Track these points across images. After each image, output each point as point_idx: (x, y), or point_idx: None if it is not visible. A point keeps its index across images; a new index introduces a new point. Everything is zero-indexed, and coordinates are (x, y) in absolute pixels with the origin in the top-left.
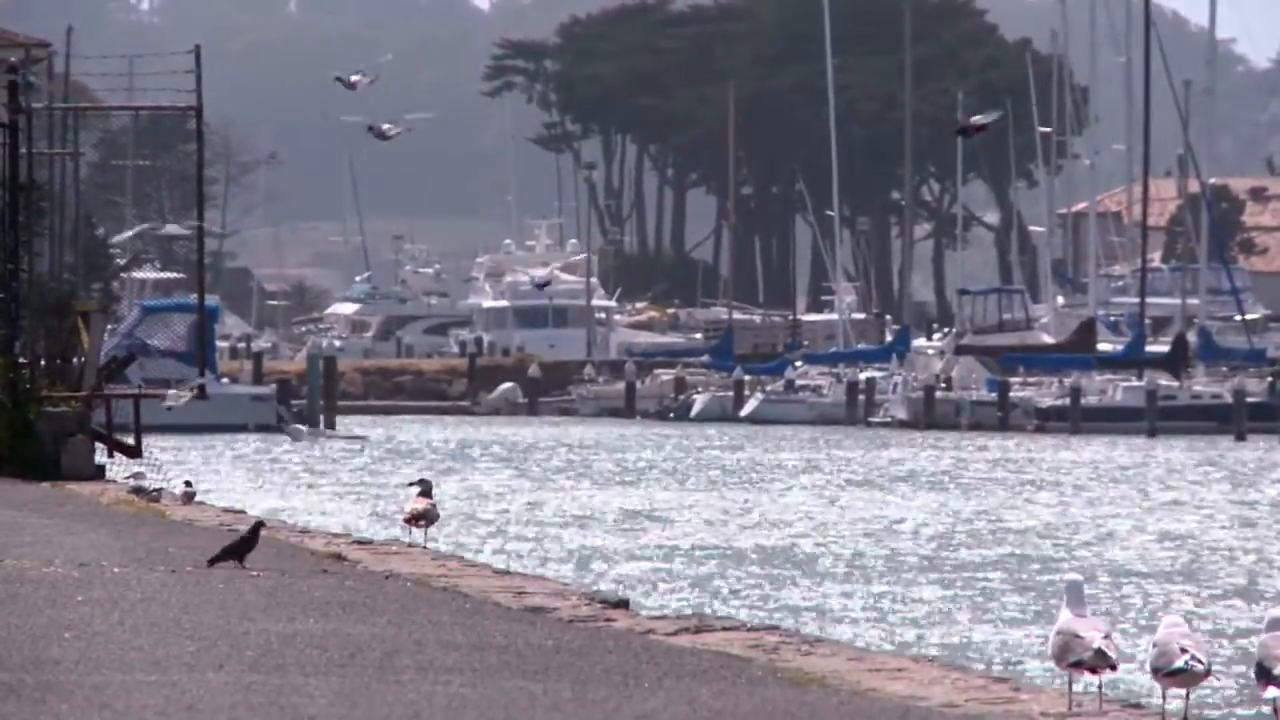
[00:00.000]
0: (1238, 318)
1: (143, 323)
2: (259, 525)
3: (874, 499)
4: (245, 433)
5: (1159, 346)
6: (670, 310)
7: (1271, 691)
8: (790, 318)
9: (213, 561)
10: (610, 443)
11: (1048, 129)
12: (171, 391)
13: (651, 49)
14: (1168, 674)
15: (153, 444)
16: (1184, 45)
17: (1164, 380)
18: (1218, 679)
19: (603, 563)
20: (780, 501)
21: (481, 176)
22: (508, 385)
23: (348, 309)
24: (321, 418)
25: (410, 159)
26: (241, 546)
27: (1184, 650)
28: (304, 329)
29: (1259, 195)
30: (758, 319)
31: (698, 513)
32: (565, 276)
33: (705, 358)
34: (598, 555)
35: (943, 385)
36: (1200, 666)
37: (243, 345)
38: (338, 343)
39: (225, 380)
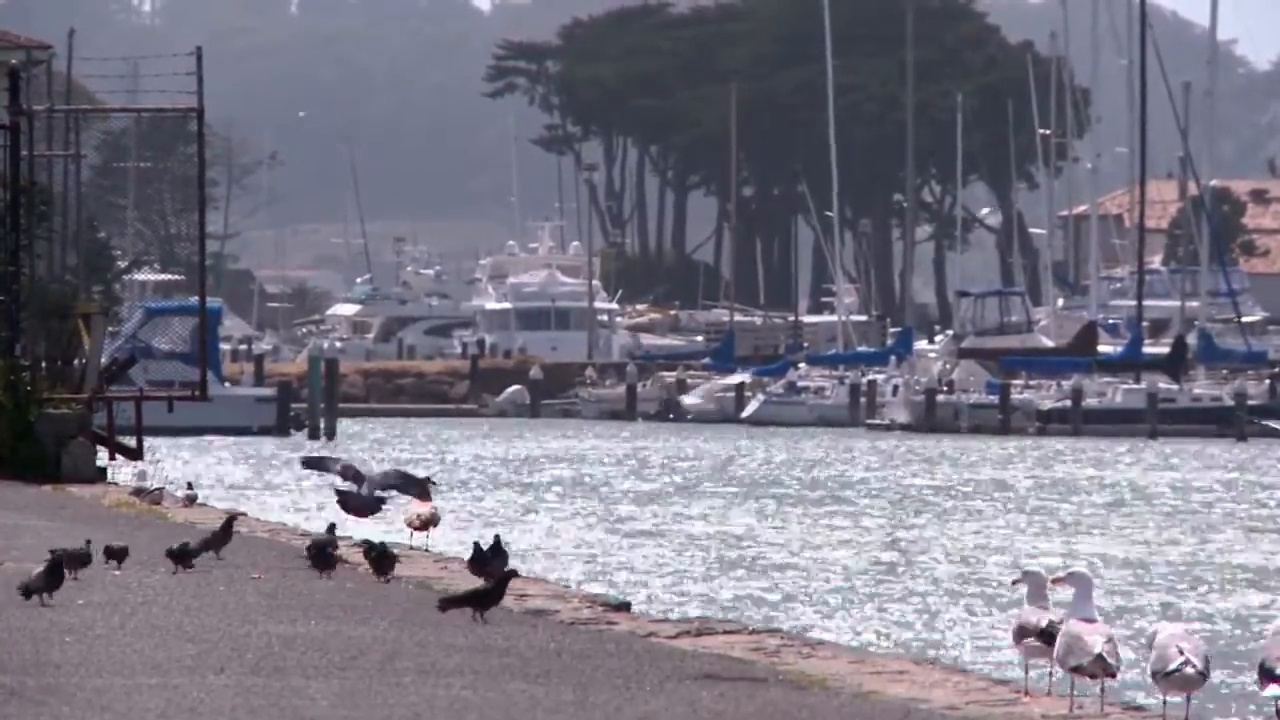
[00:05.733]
0: (1233, 320)
1: (145, 325)
2: (511, 574)
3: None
4: (249, 435)
5: (1159, 349)
6: (671, 312)
7: (1272, 689)
8: (791, 319)
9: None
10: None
11: (1048, 131)
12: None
13: (652, 50)
14: (1164, 676)
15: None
16: (1185, 47)
17: (1164, 383)
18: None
19: (604, 565)
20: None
21: (483, 178)
22: (515, 388)
23: (349, 310)
24: (323, 420)
25: (412, 160)
26: (487, 596)
27: (1180, 653)
28: (305, 330)
29: (1260, 197)
30: (759, 321)
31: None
32: (567, 279)
33: (706, 360)
34: (599, 558)
35: (944, 389)
36: (1192, 670)
37: (244, 347)
38: (339, 344)
39: (228, 384)
